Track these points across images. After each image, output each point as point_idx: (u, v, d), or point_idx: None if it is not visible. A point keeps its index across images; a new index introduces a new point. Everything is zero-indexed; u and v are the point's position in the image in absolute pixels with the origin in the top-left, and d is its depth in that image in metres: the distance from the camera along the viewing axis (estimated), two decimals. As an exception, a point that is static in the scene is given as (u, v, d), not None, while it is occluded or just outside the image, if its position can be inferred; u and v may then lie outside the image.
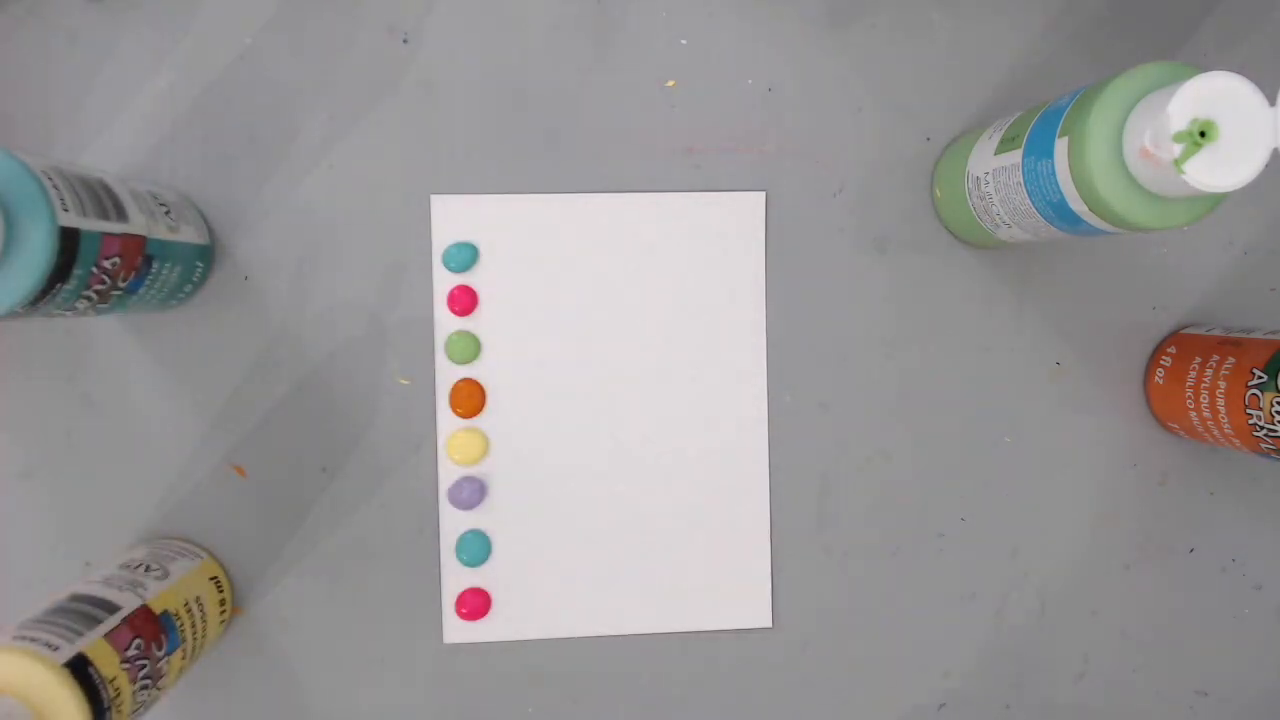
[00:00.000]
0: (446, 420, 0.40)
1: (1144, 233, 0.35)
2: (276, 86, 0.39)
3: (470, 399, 0.40)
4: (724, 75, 0.41)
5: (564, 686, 0.41)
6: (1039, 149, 0.32)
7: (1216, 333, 0.39)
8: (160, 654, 0.33)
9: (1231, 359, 0.37)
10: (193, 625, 0.35)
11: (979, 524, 0.42)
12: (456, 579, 0.40)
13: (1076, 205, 0.31)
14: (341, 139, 0.40)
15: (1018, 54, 0.41)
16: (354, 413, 0.40)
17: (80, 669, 0.29)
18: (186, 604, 0.35)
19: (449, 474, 0.40)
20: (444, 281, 0.40)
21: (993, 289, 0.42)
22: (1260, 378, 0.35)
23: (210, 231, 0.39)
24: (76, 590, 0.33)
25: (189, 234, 0.37)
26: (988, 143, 0.36)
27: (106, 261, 0.31)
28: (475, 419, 0.40)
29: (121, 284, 0.33)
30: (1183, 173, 0.27)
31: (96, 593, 0.33)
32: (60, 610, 0.31)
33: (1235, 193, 0.28)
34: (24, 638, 0.29)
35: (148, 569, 0.36)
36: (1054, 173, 0.32)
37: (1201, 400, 0.38)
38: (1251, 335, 0.37)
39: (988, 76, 0.41)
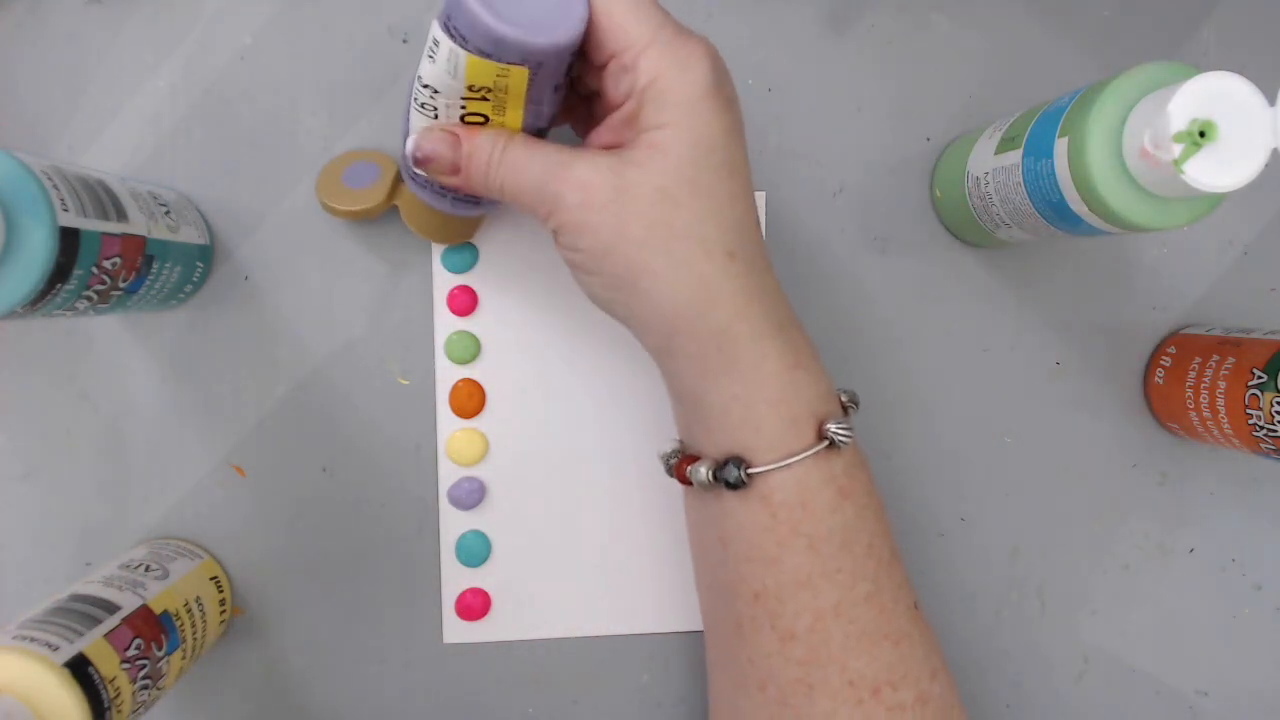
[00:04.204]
0: (446, 420, 0.40)
1: (1144, 233, 0.35)
2: (276, 86, 0.39)
3: (470, 399, 0.40)
4: (724, 75, 0.41)
5: (564, 686, 0.41)
6: (1039, 149, 0.32)
7: (1216, 333, 0.39)
8: (160, 654, 0.33)
9: (1231, 359, 0.37)
10: (193, 625, 0.35)
11: (979, 524, 0.42)
12: (456, 579, 0.40)
13: (1076, 205, 0.31)
14: (341, 139, 0.40)
15: (1018, 54, 0.41)
16: (354, 413, 0.40)
17: (80, 669, 0.29)
18: (186, 604, 0.35)
19: (449, 474, 0.40)
20: (444, 281, 0.40)
21: (993, 289, 0.42)
22: (1260, 378, 0.35)
23: (210, 231, 0.39)
24: (76, 590, 0.33)
25: (189, 234, 0.37)
26: (988, 143, 0.36)
27: (107, 262, 0.31)
28: (475, 419, 0.40)
29: (121, 284, 0.33)
30: (1183, 173, 0.27)
31: (96, 593, 0.33)
32: (60, 610, 0.31)
33: (1235, 193, 0.28)
34: (24, 637, 0.29)
35: (148, 569, 0.36)
36: (1054, 173, 0.32)
37: (1201, 400, 0.38)
38: (1251, 335, 0.37)
39: (988, 76, 0.41)
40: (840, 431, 0.31)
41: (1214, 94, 0.27)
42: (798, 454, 0.30)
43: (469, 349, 0.40)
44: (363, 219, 0.38)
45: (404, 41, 0.40)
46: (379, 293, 0.40)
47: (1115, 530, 0.42)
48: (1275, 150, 0.28)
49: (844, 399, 0.33)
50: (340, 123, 0.40)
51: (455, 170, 0.32)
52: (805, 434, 0.31)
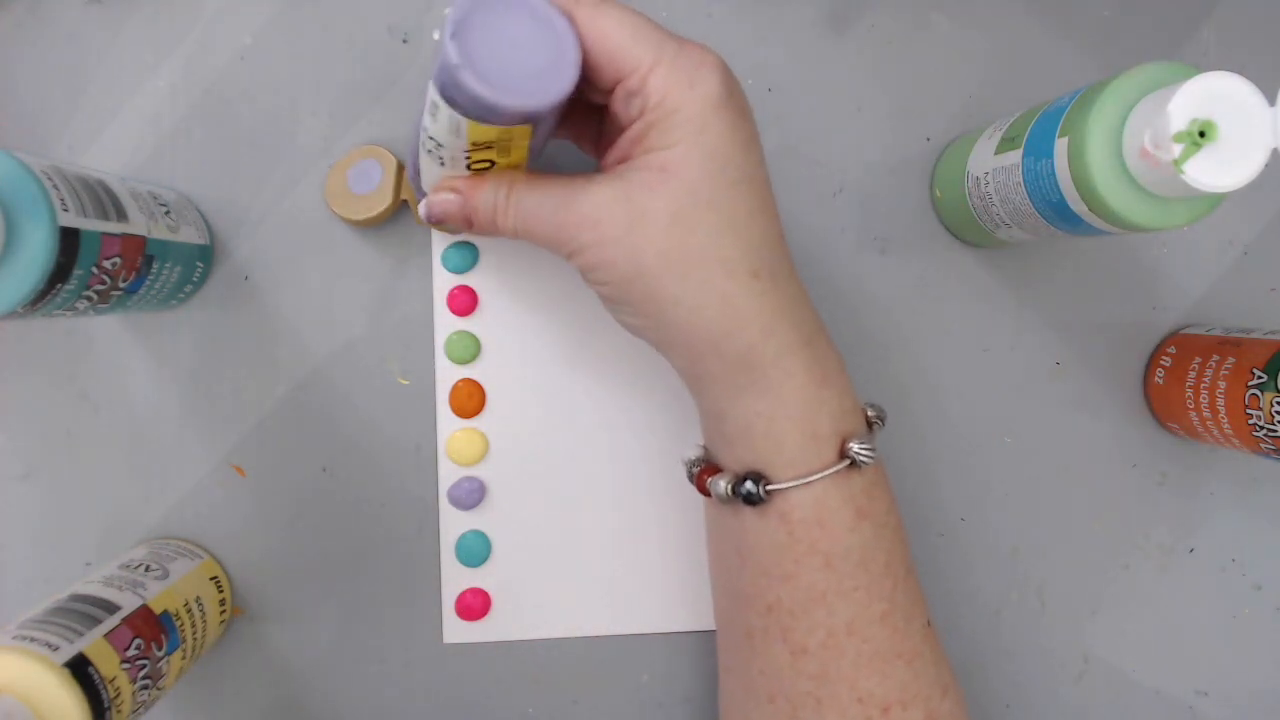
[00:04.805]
0: (446, 420, 0.40)
1: (1144, 233, 0.35)
2: (276, 86, 0.39)
3: (470, 399, 0.40)
4: (724, 75, 0.41)
5: (564, 686, 0.41)
6: (1039, 149, 0.32)
7: (1216, 333, 0.39)
8: (160, 654, 0.33)
9: (1231, 359, 0.37)
10: (193, 625, 0.35)
11: (979, 524, 0.42)
12: (456, 579, 0.40)
13: (1076, 205, 0.31)
14: (341, 139, 0.40)
15: (1018, 54, 0.41)
16: (354, 413, 0.40)
17: (80, 669, 0.29)
18: (186, 604, 0.35)
19: (449, 474, 0.40)
20: (444, 281, 0.40)
21: (993, 289, 0.42)
22: (1260, 378, 0.35)
23: (210, 231, 0.39)
24: (76, 590, 0.33)
25: (189, 234, 0.37)
26: (988, 143, 0.36)
27: (107, 261, 0.31)
28: (475, 419, 0.40)
29: (121, 284, 0.33)
30: (1182, 173, 0.27)
31: (96, 593, 0.33)
32: (60, 610, 0.31)
33: (1235, 193, 0.28)
34: (24, 637, 0.29)
35: (148, 569, 0.36)
36: (1054, 173, 0.32)
37: (1201, 400, 0.38)
38: (1251, 335, 0.37)
39: (988, 76, 0.41)
40: (863, 451, 0.30)
41: (1214, 94, 0.27)
42: (817, 472, 0.30)
43: (469, 349, 0.40)
44: (375, 225, 0.39)
45: (404, 41, 0.40)
46: (379, 292, 0.40)
47: (1115, 530, 0.42)
48: (1275, 150, 0.28)
49: (870, 414, 0.33)
50: (340, 123, 0.40)
51: (468, 225, 0.32)
52: (827, 452, 0.30)
